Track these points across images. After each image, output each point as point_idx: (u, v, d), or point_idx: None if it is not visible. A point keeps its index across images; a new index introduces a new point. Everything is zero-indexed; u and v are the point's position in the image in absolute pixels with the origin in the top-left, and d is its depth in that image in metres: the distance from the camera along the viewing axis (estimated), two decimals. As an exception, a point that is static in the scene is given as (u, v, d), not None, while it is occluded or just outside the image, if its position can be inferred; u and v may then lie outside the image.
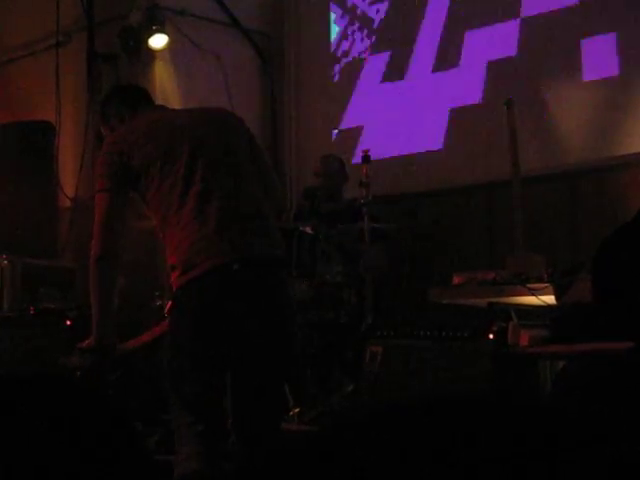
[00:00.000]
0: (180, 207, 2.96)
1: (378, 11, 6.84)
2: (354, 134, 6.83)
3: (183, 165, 3.00)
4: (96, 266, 3.01)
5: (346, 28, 7.03)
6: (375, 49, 6.84)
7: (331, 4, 7.13)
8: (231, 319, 2.92)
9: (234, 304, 2.91)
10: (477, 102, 6.19)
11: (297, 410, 4.60)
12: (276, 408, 3.21)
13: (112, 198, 3.02)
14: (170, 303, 3.01)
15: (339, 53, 7.05)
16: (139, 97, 3.33)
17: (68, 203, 6.67)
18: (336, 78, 7.06)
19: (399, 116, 6.60)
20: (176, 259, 2.95)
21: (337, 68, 7.06)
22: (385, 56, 6.77)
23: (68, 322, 5.12)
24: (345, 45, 7.02)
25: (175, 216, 2.96)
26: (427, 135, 6.43)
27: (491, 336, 3.87)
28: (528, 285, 4.05)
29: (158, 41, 6.40)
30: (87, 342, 3.11)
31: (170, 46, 6.47)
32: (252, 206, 3.06)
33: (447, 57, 6.39)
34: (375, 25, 6.86)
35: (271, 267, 3.05)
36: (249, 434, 3.04)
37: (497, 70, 6.11)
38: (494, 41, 6.14)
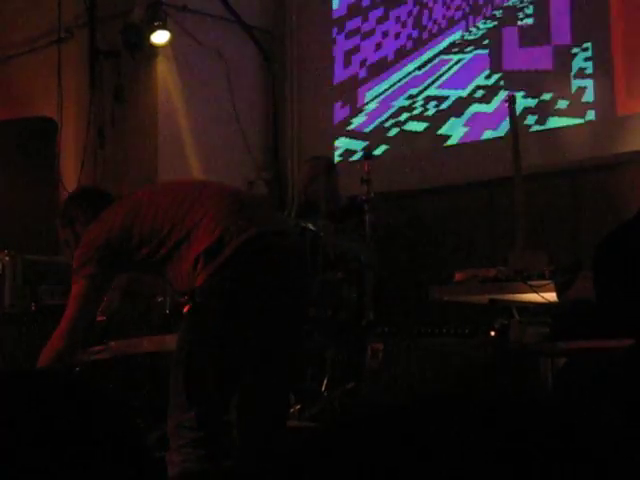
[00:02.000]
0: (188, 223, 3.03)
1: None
2: (355, 130, 6.83)
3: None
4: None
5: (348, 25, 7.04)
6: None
7: (333, 1, 7.13)
8: (273, 291, 2.96)
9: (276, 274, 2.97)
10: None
11: (298, 407, 4.60)
12: (286, 403, 3.26)
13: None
14: (189, 304, 3.01)
15: (341, 49, 7.05)
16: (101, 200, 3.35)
17: (69, 199, 6.67)
18: (337, 76, 7.05)
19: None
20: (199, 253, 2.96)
21: (339, 64, 7.05)
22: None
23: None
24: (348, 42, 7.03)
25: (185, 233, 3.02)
26: (428, 132, 6.43)
27: (492, 333, 3.87)
28: (530, 282, 4.05)
29: (160, 38, 6.39)
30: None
31: (172, 43, 6.47)
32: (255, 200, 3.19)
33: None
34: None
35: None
36: (259, 428, 3.06)
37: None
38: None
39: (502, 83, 6.07)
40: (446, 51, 6.47)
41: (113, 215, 3.15)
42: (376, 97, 6.78)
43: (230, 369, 2.96)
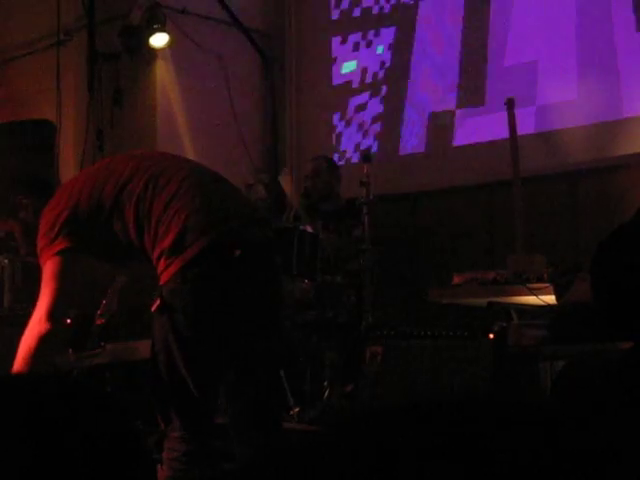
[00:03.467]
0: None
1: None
2: (355, 133, 6.83)
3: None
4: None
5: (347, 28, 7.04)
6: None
7: (332, 3, 7.13)
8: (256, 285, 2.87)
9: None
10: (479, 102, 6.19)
11: (297, 410, 4.60)
12: (280, 401, 3.16)
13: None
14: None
15: (340, 53, 7.05)
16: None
17: (68, 202, 6.67)
18: (336, 78, 7.05)
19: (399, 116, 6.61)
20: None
21: (338, 68, 7.06)
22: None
23: (68, 321, 5.11)
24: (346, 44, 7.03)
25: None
26: (427, 135, 6.43)
27: (491, 336, 3.87)
28: (528, 285, 4.05)
29: (159, 40, 6.40)
30: None
31: (171, 45, 6.47)
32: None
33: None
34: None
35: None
36: (254, 430, 2.97)
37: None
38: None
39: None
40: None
41: (77, 185, 2.94)
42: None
43: (205, 372, 2.83)
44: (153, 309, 2.81)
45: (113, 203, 2.87)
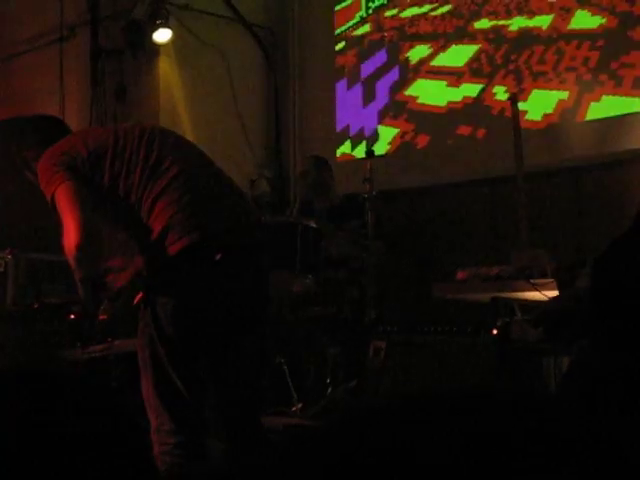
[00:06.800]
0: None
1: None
2: (357, 130, 6.83)
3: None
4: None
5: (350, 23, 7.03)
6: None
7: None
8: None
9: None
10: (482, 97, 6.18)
11: (300, 405, 4.60)
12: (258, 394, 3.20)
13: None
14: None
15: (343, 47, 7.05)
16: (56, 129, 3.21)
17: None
18: (339, 73, 7.05)
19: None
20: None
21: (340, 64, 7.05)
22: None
23: (72, 316, 5.12)
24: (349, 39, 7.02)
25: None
26: (430, 131, 6.42)
27: (495, 331, 3.87)
28: (532, 280, 4.05)
29: (162, 36, 6.40)
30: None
31: (174, 41, 6.47)
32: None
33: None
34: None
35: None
36: (236, 425, 3.00)
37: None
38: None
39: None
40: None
41: (76, 140, 3.01)
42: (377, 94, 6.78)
43: (188, 367, 2.88)
44: (135, 302, 2.89)
45: (110, 174, 2.92)
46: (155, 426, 2.83)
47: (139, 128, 3.06)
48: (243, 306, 2.97)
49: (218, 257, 2.84)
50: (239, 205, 3.07)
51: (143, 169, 2.90)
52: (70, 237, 2.85)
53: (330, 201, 5.64)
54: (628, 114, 5.44)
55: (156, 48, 6.49)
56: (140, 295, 2.91)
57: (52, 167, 2.90)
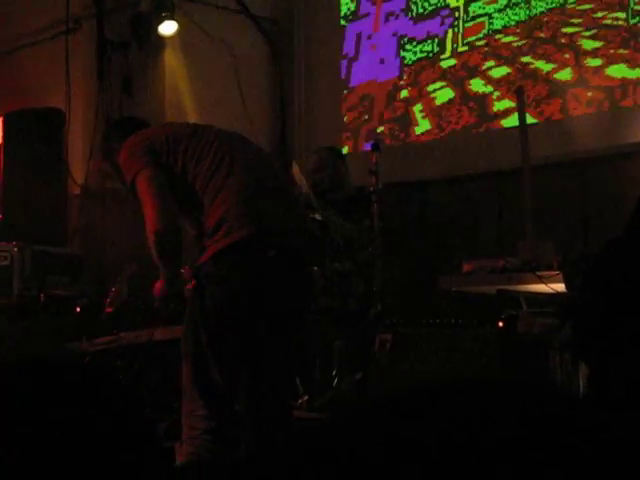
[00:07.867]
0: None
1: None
2: (364, 122, 6.82)
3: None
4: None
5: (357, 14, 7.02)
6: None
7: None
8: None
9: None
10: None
11: (306, 398, 4.61)
12: (289, 397, 3.27)
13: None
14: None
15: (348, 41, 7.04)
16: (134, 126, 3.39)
17: (77, 190, 6.68)
18: (345, 66, 7.03)
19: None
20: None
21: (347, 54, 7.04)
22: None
23: (77, 309, 5.14)
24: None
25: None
26: (436, 122, 6.41)
27: (501, 324, 3.87)
28: (538, 273, 4.04)
29: (168, 28, 6.40)
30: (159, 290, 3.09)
31: (180, 33, 6.47)
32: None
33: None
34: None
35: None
36: (264, 414, 3.06)
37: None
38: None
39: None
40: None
41: (157, 128, 3.28)
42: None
43: (227, 357, 2.96)
44: (189, 287, 3.01)
45: (183, 159, 3.08)
46: (188, 411, 2.92)
47: (217, 128, 3.32)
48: (288, 304, 3.09)
49: (271, 254, 2.95)
50: (293, 209, 3.26)
51: (212, 161, 3.07)
52: (149, 223, 2.98)
53: (344, 193, 5.63)
54: (635, 106, 5.43)
55: (162, 41, 6.48)
56: (193, 282, 3.02)
57: (134, 153, 3.08)
